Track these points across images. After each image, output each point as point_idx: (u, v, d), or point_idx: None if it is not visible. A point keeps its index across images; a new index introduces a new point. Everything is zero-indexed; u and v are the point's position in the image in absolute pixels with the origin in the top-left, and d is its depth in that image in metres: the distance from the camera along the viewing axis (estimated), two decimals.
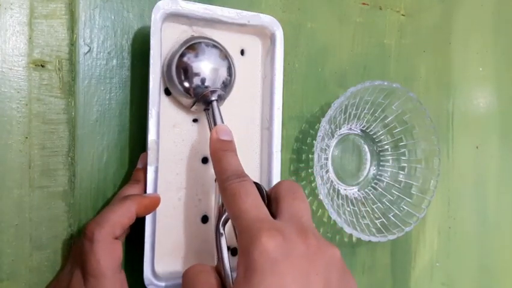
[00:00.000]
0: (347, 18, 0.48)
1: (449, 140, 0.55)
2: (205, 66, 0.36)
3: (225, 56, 0.38)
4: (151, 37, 0.35)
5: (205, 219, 0.39)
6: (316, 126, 0.46)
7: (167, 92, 0.38)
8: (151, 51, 0.35)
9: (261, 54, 0.41)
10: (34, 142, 0.36)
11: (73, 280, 0.32)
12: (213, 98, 0.36)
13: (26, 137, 0.35)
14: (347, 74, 0.48)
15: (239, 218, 0.28)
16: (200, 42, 0.37)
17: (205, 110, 0.37)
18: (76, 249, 0.35)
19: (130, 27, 0.39)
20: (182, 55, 0.36)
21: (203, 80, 0.36)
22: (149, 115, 0.35)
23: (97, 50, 0.38)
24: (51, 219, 0.36)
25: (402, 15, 0.52)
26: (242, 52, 0.41)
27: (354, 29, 0.49)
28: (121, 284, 0.32)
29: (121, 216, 0.32)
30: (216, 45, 0.38)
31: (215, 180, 0.33)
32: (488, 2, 0.58)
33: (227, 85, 0.38)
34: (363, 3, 0.49)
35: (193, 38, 0.38)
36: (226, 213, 0.32)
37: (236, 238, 0.30)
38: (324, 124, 0.42)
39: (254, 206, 0.29)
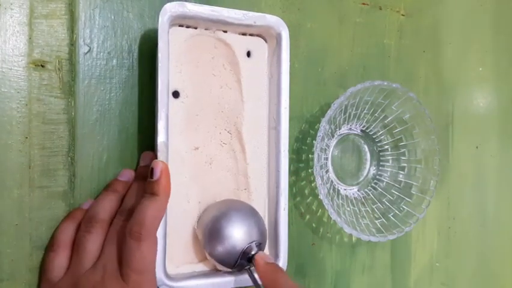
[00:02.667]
0: (347, 18, 0.48)
1: (449, 140, 0.55)
2: (237, 229, 0.37)
3: (250, 208, 0.38)
4: (159, 40, 0.35)
5: None
6: (316, 126, 0.46)
7: (175, 95, 0.38)
8: (159, 54, 0.35)
9: (267, 54, 0.41)
10: (34, 142, 0.36)
11: (107, 274, 0.32)
12: (253, 252, 0.36)
13: (26, 137, 0.35)
14: (347, 74, 0.48)
15: None
16: (227, 212, 0.37)
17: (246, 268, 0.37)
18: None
19: (130, 27, 0.39)
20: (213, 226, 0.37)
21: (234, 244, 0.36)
22: (158, 117, 0.35)
23: (97, 50, 0.38)
24: (51, 219, 0.36)
25: (402, 15, 0.52)
26: (248, 54, 0.41)
27: (354, 29, 0.49)
28: (156, 279, 0.34)
29: (158, 212, 0.33)
30: (237, 204, 0.38)
31: None
32: (488, 2, 0.58)
33: (263, 232, 0.38)
34: (363, 3, 0.49)
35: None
36: None
37: None
38: (324, 124, 0.42)
39: None
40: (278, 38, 0.40)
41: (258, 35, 0.41)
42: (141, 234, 0.32)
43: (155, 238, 0.33)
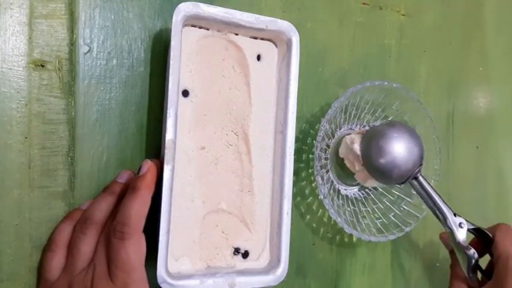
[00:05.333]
0: (347, 18, 0.48)
1: (449, 140, 0.55)
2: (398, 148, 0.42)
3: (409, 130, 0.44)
4: (172, 38, 0.35)
5: None
6: (316, 126, 0.46)
7: (185, 94, 0.38)
8: (171, 53, 0.35)
9: (277, 59, 0.42)
10: (34, 142, 0.36)
11: (96, 275, 0.32)
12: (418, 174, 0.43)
13: (26, 137, 0.35)
14: (347, 74, 0.48)
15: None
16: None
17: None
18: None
19: (130, 27, 0.39)
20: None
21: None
22: (168, 115, 0.35)
23: (97, 50, 0.38)
24: (51, 219, 0.36)
25: (403, 15, 0.52)
26: (258, 57, 0.41)
27: (354, 29, 0.49)
28: (145, 277, 0.34)
29: (140, 208, 0.33)
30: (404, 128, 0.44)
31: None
32: (488, 2, 0.58)
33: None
34: (364, 3, 0.49)
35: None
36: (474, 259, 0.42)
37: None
38: (324, 124, 0.42)
39: None
40: (289, 43, 0.40)
41: (268, 40, 0.41)
42: (124, 233, 0.32)
43: (141, 235, 0.33)
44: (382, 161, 0.42)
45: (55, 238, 0.35)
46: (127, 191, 0.35)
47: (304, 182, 0.46)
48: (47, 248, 0.35)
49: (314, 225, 0.47)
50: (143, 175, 0.34)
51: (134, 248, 0.32)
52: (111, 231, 0.33)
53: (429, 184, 0.44)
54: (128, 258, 0.32)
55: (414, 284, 0.52)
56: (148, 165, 0.35)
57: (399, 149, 0.42)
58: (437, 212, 0.43)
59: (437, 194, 0.44)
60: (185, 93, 0.38)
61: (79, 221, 0.35)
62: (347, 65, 0.48)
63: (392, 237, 0.45)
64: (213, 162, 0.39)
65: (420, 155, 0.43)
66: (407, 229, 0.46)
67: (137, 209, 0.33)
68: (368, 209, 0.47)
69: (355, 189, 0.49)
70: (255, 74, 0.41)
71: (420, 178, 0.43)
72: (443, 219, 0.43)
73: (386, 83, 0.44)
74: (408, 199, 0.47)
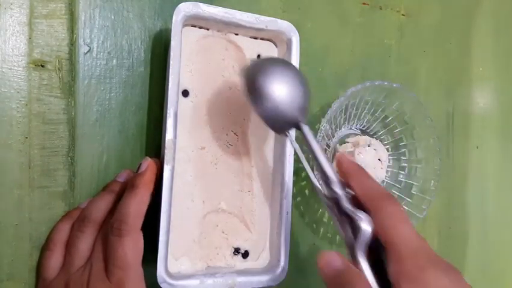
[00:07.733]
0: (347, 18, 0.48)
1: (449, 140, 0.55)
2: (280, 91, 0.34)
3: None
4: (172, 39, 0.35)
5: None
6: (316, 126, 0.46)
7: (185, 94, 0.38)
8: (171, 53, 0.35)
9: None
10: (34, 142, 0.36)
11: (93, 273, 0.32)
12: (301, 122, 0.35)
13: (26, 137, 0.35)
14: (347, 74, 0.48)
15: (400, 244, 0.30)
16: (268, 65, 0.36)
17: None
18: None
19: (130, 27, 0.39)
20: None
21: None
22: (167, 115, 0.35)
23: (97, 50, 0.38)
24: (51, 219, 0.36)
25: (403, 15, 0.52)
26: (258, 57, 0.41)
27: (355, 29, 0.49)
28: (142, 276, 0.33)
29: (138, 206, 0.33)
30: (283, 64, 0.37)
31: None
32: (488, 2, 0.58)
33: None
34: (363, 3, 0.49)
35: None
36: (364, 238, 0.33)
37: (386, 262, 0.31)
38: (324, 124, 0.42)
39: (415, 234, 0.30)
40: (289, 43, 0.40)
41: (268, 40, 0.41)
42: (121, 230, 0.32)
43: (138, 233, 0.33)
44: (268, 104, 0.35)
45: (53, 237, 0.35)
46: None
47: (304, 182, 0.46)
48: (46, 247, 0.35)
49: (314, 225, 0.47)
50: (142, 173, 0.35)
51: (131, 245, 0.32)
52: (109, 228, 0.33)
53: (315, 138, 0.35)
54: (125, 255, 0.32)
55: None
56: (148, 163, 0.35)
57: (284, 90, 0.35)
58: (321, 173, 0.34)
59: (324, 152, 0.35)
60: (185, 93, 0.38)
61: (77, 220, 0.35)
62: (347, 65, 0.48)
63: None
64: (213, 162, 0.39)
65: (306, 98, 0.35)
66: None
67: (135, 206, 0.33)
68: None
69: None
70: None
71: (305, 128, 0.35)
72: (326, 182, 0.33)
73: (386, 83, 0.44)
74: (409, 199, 0.47)
